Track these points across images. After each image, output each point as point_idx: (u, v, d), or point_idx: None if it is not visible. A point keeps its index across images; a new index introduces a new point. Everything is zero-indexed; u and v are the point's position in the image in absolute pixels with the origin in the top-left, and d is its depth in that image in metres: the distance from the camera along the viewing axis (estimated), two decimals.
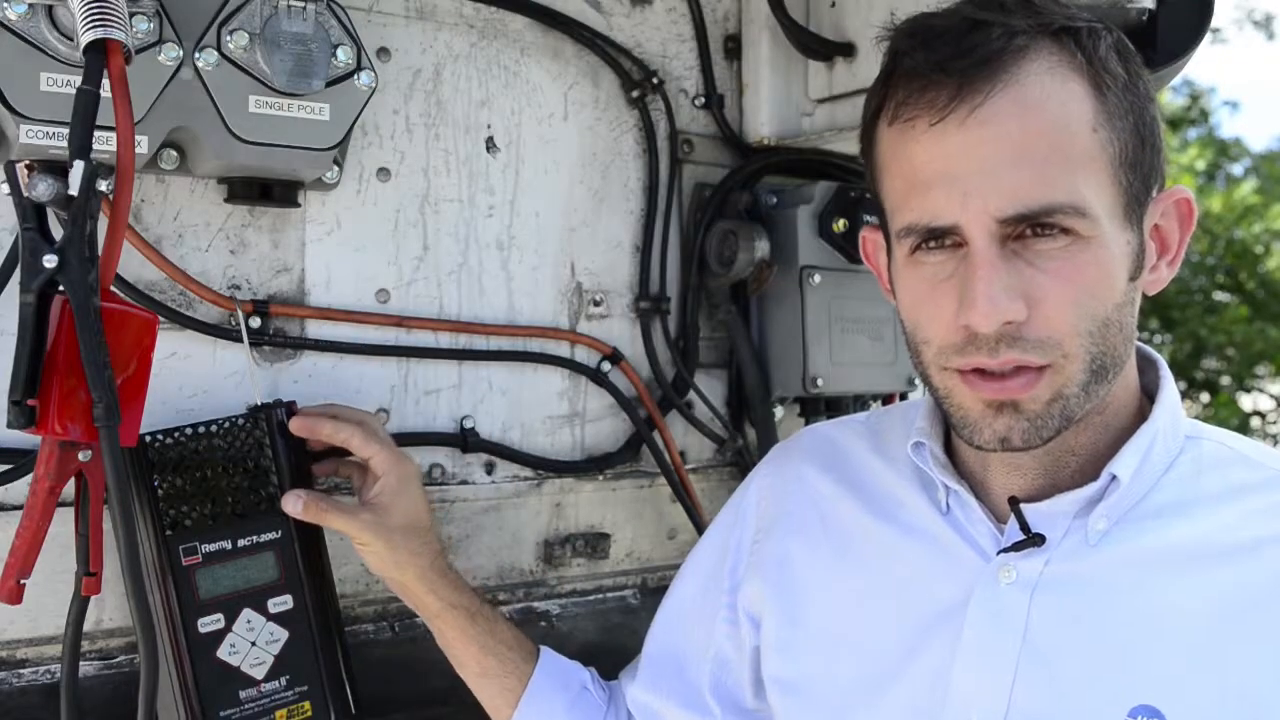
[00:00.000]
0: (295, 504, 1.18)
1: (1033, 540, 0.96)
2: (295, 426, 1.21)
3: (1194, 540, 0.94)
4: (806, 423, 1.66)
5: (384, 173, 1.38)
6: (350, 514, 1.19)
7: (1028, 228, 0.89)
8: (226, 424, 1.21)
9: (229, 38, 1.11)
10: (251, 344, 1.27)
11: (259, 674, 1.19)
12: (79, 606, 1.05)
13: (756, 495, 1.22)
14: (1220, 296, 12.13)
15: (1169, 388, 1.01)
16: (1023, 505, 0.97)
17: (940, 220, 0.91)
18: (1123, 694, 0.90)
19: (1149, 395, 1.01)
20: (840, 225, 1.56)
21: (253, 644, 1.19)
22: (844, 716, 1.05)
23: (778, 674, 1.13)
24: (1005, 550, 0.97)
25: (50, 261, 0.92)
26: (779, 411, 1.64)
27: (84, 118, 0.92)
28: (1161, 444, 0.98)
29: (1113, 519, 0.96)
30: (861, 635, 1.06)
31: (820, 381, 1.56)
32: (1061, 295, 0.89)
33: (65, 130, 0.98)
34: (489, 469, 1.46)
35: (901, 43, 0.95)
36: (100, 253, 0.95)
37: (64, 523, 1.03)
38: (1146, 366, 1.03)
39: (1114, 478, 0.95)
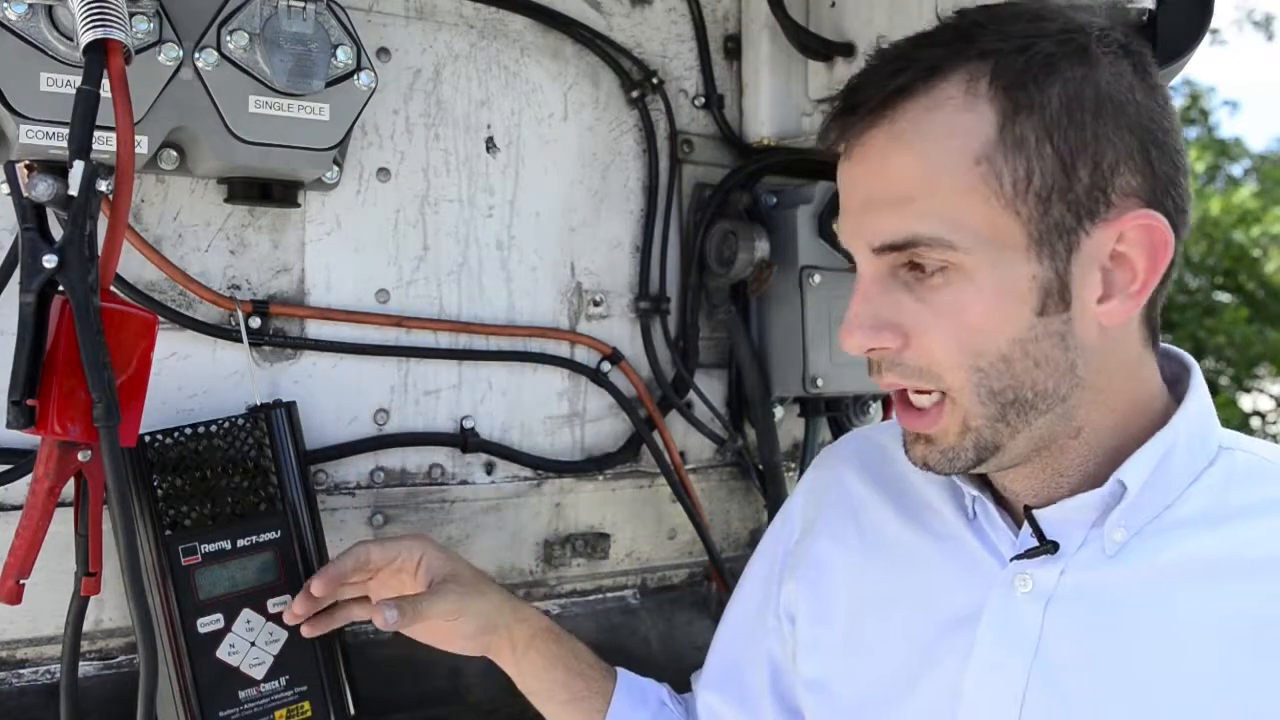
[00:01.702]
0: (392, 617, 1.15)
1: (1045, 547, 0.94)
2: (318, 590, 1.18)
3: (1219, 554, 0.91)
4: (806, 423, 1.66)
5: (384, 173, 1.38)
6: (441, 594, 1.19)
7: (908, 261, 0.91)
8: (226, 424, 1.21)
9: (229, 38, 1.11)
10: (251, 344, 1.27)
11: (258, 674, 1.19)
12: (79, 606, 1.05)
13: (802, 498, 1.22)
14: (1220, 297, 12.13)
15: (1196, 395, 0.97)
16: (1035, 511, 0.96)
17: (846, 246, 0.97)
18: (1136, 711, 0.88)
19: (1180, 402, 0.97)
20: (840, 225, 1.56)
21: (252, 644, 1.19)
22: None
23: (805, 673, 1.12)
24: (1018, 557, 0.96)
25: (50, 261, 0.92)
26: (779, 411, 1.64)
27: (84, 118, 0.91)
28: (1185, 453, 0.94)
29: (1131, 529, 0.93)
30: (881, 640, 1.05)
31: (820, 381, 1.56)
32: (939, 330, 0.90)
33: (65, 130, 0.98)
34: (489, 469, 1.46)
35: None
36: (100, 253, 0.95)
37: (64, 523, 1.03)
38: (1181, 373, 1.00)
39: (1123, 485, 0.92)
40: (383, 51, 1.37)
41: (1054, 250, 0.88)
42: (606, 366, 1.54)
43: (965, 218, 0.88)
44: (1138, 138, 0.89)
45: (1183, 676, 0.88)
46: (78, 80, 0.92)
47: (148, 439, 1.17)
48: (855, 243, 0.94)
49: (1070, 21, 0.91)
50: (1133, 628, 0.91)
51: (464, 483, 1.44)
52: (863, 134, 0.92)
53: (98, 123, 0.92)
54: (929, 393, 0.93)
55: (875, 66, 0.93)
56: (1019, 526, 0.99)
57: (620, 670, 1.27)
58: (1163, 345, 1.00)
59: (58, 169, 0.94)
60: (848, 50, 1.54)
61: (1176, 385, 0.99)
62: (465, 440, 1.42)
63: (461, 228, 1.43)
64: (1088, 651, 0.92)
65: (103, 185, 0.94)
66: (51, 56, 1.03)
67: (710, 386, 1.63)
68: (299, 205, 1.30)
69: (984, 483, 1.02)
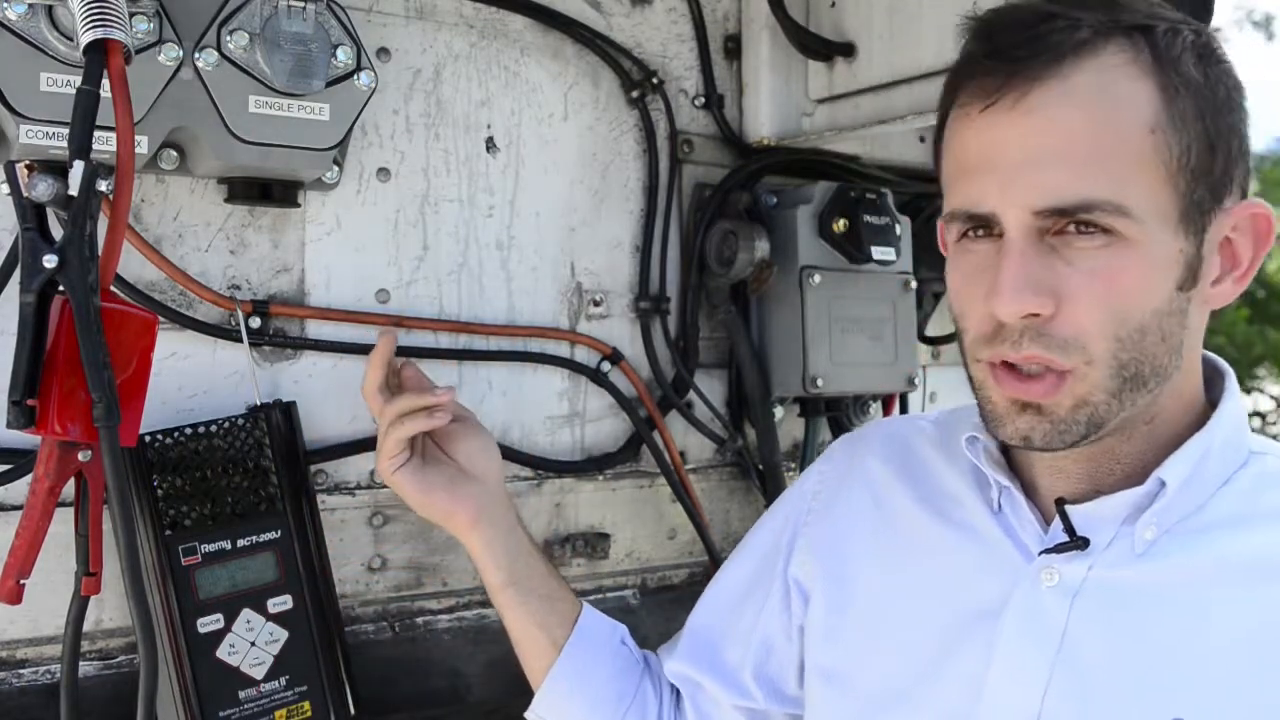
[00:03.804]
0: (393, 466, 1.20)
1: (1076, 543, 0.94)
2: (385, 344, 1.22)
3: (1247, 556, 0.91)
4: (806, 423, 1.66)
5: (384, 173, 1.37)
6: (401, 485, 1.21)
7: (1069, 224, 0.88)
8: (226, 424, 1.21)
9: (229, 38, 1.11)
10: (251, 344, 1.27)
11: (258, 674, 1.19)
12: (79, 606, 1.05)
13: (817, 479, 1.22)
14: None
15: (1232, 400, 0.98)
16: (1068, 507, 0.96)
17: (980, 207, 0.91)
18: (1158, 707, 0.89)
19: (1215, 406, 0.98)
20: (840, 225, 1.56)
21: (252, 644, 1.19)
22: (880, 712, 1.04)
23: (820, 661, 1.12)
24: (1047, 551, 0.96)
25: (50, 261, 0.92)
26: (779, 411, 1.64)
27: (84, 118, 0.91)
28: (1219, 456, 0.95)
29: (1162, 528, 0.93)
30: (903, 630, 1.05)
31: (820, 381, 1.56)
32: (1093, 295, 0.88)
33: (65, 130, 0.98)
34: None
35: (971, 31, 0.96)
36: (100, 253, 0.95)
37: (64, 523, 1.03)
38: (1215, 377, 1.01)
39: (1162, 484, 0.92)
40: (383, 51, 1.37)
41: (1194, 227, 0.90)
42: (606, 366, 1.54)
43: (1135, 185, 0.87)
44: (1245, 133, 0.93)
45: (1207, 675, 0.89)
46: (78, 80, 0.92)
47: (148, 439, 1.17)
48: (1007, 200, 0.89)
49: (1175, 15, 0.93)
50: (1158, 626, 0.91)
51: None
52: (1029, 86, 0.88)
53: (98, 123, 0.92)
54: (1056, 373, 0.91)
55: (1030, 20, 0.90)
56: (1046, 520, 0.99)
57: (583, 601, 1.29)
58: None
59: (58, 169, 0.94)
60: (848, 50, 1.54)
61: (1210, 388, 1.00)
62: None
63: (461, 228, 1.43)
64: (1112, 647, 0.92)
65: (103, 185, 0.94)
66: (51, 56, 1.03)
67: (710, 386, 1.63)
68: (299, 205, 1.30)
69: (1012, 474, 1.02)
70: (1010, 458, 1.04)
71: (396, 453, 1.19)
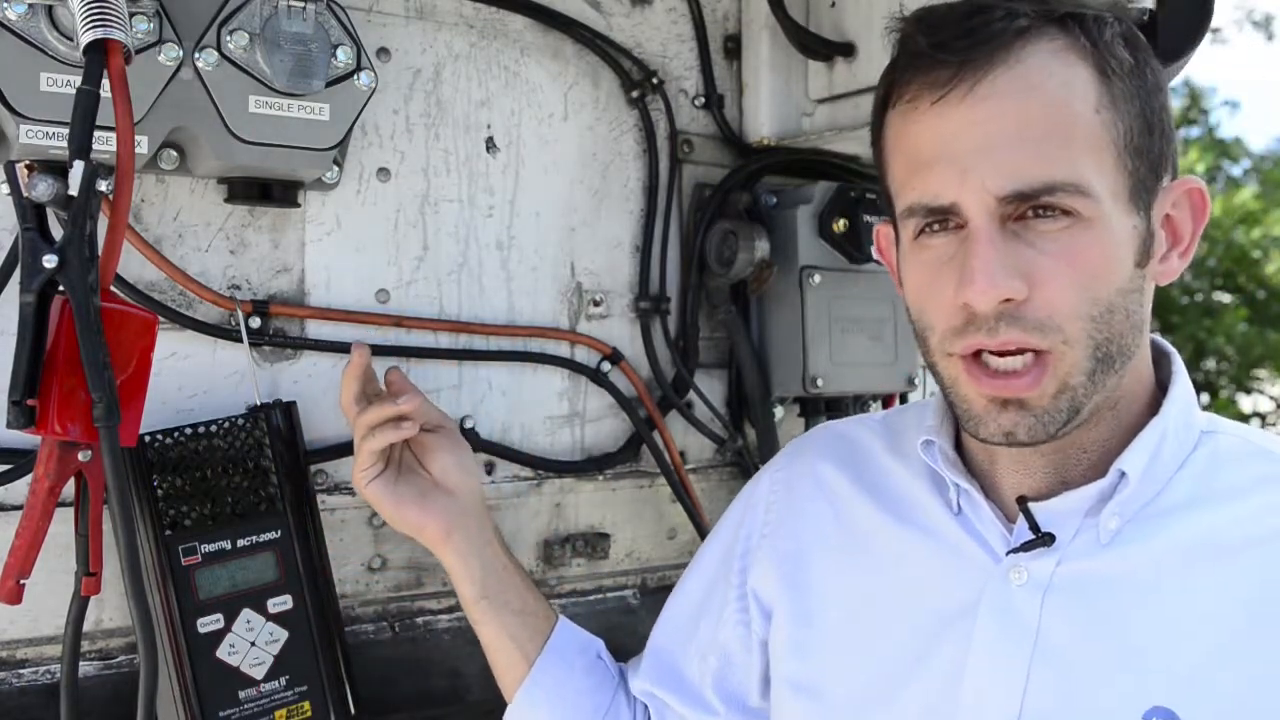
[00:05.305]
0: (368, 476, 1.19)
1: (1042, 540, 0.95)
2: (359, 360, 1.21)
3: (1209, 536, 0.93)
4: (806, 423, 1.66)
5: (384, 173, 1.38)
6: (375, 495, 1.20)
7: (1029, 209, 0.89)
8: (226, 424, 1.21)
9: (229, 38, 1.11)
10: (251, 344, 1.27)
11: (258, 674, 1.19)
12: (79, 606, 1.05)
13: (769, 488, 1.21)
14: (1220, 298, 12.13)
15: (1181, 382, 0.99)
16: (1031, 504, 0.96)
17: (940, 199, 0.91)
18: (1137, 696, 0.89)
19: (1163, 389, 1.00)
20: (840, 225, 1.56)
21: (252, 644, 1.19)
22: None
23: (791, 675, 1.12)
24: (1014, 551, 0.97)
25: (50, 261, 0.92)
26: (779, 411, 1.64)
27: (84, 118, 0.92)
28: (1173, 439, 0.96)
29: (1125, 517, 0.94)
30: (874, 638, 1.05)
31: (820, 381, 1.56)
32: (1062, 276, 0.89)
33: (65, 130, 0.98)
34: (489, 469, 1.46)
35: (906, 29, 0.96)
36: (100, 253, 0.95)
37: (64, 523, 1.03)
38: (1161, 359, 1.02)
39: (1123, 474, 0.93)
40: (383, 51, 1.37)
41: (1142, 204, 0.93)
42: (606, 366, 1.54)
43: (1089, 165, 0.89)
44: (1171, 114, 0.96)
45: (1181, 658, 0.90)
46: (78, 80, 0.92)
47: (148, 439, 1.17)
48: (968, 189, 0.89)
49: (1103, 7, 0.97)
50: (1130, 613, 0.92)
51: None
52: (979, 75, 0.89)
53: (98, 123, 0.92)
54: (1019, 354, 0.90)
55: (968, 12, 0.92)
56: (1008, 517, 1.00)
57: (561, 616, 1.29)
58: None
59: (58, 169, 0.94)
60: (848, 50, 1.54)
61: (1158, 369, 1.02)
62: (465, 440, 1.42)
63: (461, 228, 1.43)
64: (1086, 638, 0.93)
65: (103, 185, 0.94)
66: (51, 56, 1.03)
67: (710, 386, 1.63)
68: (299, 205, 1.30)
69: (969, 475, 1.02)
70: (966, 457, 1.05)
71: (368, 465, 1.19)
